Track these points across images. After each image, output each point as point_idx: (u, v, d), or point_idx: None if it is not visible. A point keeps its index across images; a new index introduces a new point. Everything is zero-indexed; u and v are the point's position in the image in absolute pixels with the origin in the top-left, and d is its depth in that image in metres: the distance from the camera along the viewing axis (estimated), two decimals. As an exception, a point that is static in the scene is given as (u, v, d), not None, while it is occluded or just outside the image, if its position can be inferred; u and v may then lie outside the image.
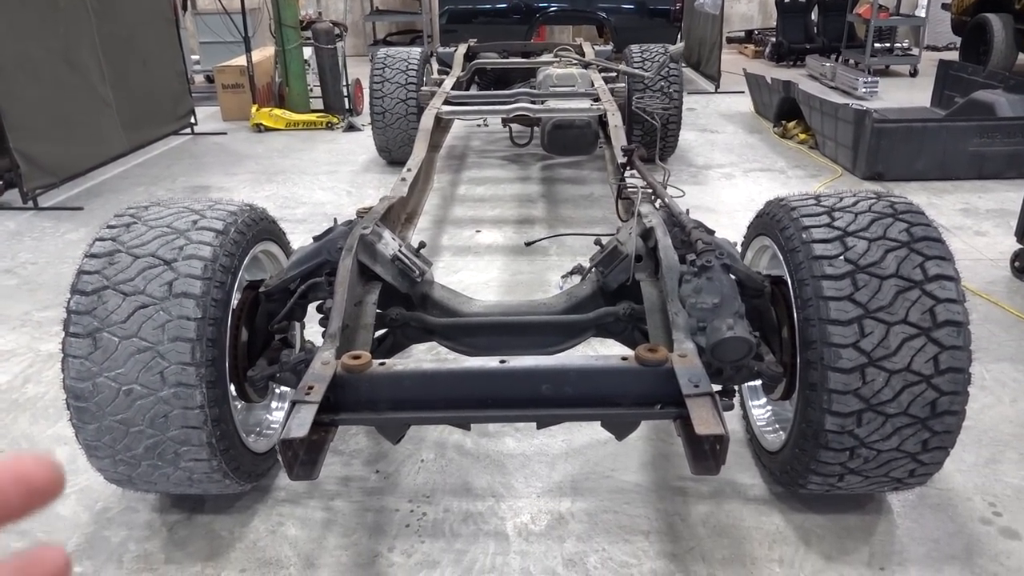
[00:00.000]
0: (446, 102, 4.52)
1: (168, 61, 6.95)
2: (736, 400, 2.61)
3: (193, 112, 7.40)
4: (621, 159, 2.80)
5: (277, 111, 7.65)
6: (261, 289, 2.22)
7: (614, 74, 5.42)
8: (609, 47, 6.51)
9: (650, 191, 2.37)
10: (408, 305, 2.17)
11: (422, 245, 2.22)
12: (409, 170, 3.34)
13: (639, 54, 5.73)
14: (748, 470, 2.44)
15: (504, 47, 6.67)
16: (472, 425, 2.21)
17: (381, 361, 1.60)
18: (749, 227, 2.43)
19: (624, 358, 1.57)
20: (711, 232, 2.16)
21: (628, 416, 1.56)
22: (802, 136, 6.54)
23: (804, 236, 2.01)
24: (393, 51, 5.85)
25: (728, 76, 9.13)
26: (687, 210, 2.29)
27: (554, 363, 1.58)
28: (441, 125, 4.57)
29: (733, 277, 2.08)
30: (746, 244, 2.48)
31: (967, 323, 1.87)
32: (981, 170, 5.46)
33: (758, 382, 2.33)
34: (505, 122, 4.45)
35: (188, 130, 7.35)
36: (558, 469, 2.45)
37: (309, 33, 7.76)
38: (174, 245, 2.02)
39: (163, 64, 6.84)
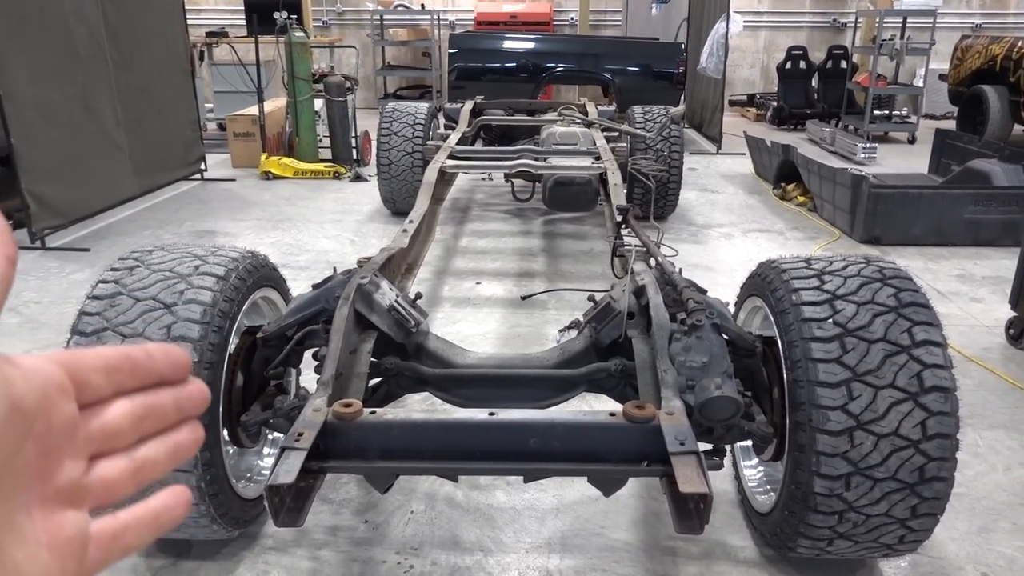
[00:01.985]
0: (451, 156, 4.62)
1: (182, 109, 7.13)
2: (728, 460, 2.62)
3: (204, 159, 7.55)
4: (617, 218, 2.86)
5: (286, 160, 7.79)
6: (259, 335, 2.25)
7: (616, 134, 5.54)
8: (612, 107, 6.67)
9: (644, 250, 2.42)
10: (403, 355, 2.20)
11: (418, 296, 2.26)
12: (411, 222, 3.40)
13: (641, 115, 5.87)
14: (739, 531, 2.43)
15: (510, 104, 6.84)
16: (462, 477, 2.22)
17: (372, 410, 1.62)
18: (742, 287, 2.46)
19: (612, 414, 1.59)
20: (703, 292, 2.19)
21: (615, 472, 1.57)
22: (801, 198, 6.64)
23: (794, 298, 2.04)
24: (401, 105, 6.00)
25: (729, 138, 9.31)
26: (680, 269, 2.33)
27: (542, 417, 1.59)
28: (445, 178, 4.66)
29: (725, 336, 2.11)
30: (739, 304, 2.51)
31: (954, 389, 1.89)
32: (977, 237, 5.52)
33: (749, 442, 2.33)
34: (508, 177, 4.54)
35: (198, 176, 7.49)
36: (548, 524, 2.43)
37: (321, 86, 7.97)
38: (175, 289, 2.06)
39: (177, 112, 7.01)
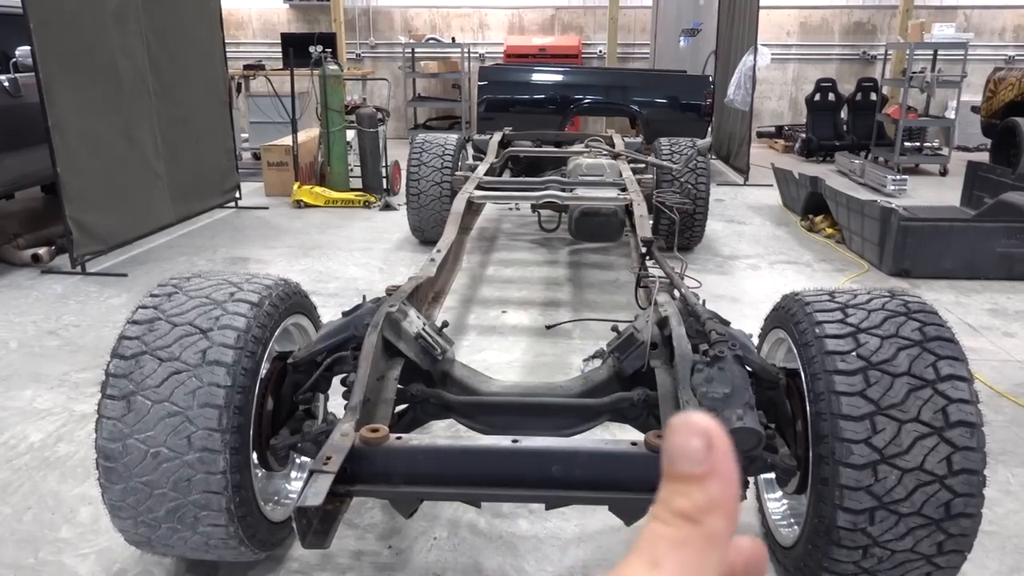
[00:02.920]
0: (478, 187, 4.70)
1: (219, 139, 7.33)
2: (752, 492, 2.60)
3: (239, 187, 7.74)
4: (642, 249, 2.89)
5: (318, 189, 7.96)
6: (289, 360, 2.31)
7: (643, 165, 5.59)
8: (639, 139, 6.73)
9: (668, 281, 2.44)
10: (429, 382, 2.24)
11: (445, 324, 2.31)
12: (439, 251, 3.47)
13: (668, 147, 5.91)
14: (763, 565, 2.41)
15: (537, 136, 6.93)
16: (485, 505, 2.24)
17: (398, 436, 1.66)
18: (766, 319, 2.48)
19: (634, 443, 1.61)
20: (726, 323, 2.21)
21: (635, 501, 1.59)
22: (829, 231, 6.61)
23: (817, 331, 2.05)
24: (431, 136, 6.12)
25: (757, 170, 9.32)
26: (704, 300, 2.35)
27: (565, 445, 1.62)
28: (473, 208, 4.74)
29: (749, 368, 2.13)
30: (763, 336, 2.52)
31: (981, 424, 1.88)
32: (1010, 271, 5.45)
33: (772, 475, 2.33)
34: (535, 208, 4.60)
35: (233, 204, 7.67)
36: (570, 554, 2.44)
37: (353, 117, 8.15)
38: (211, 315, 2.13)
39: (214, 142, 7.22)
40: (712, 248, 6.28)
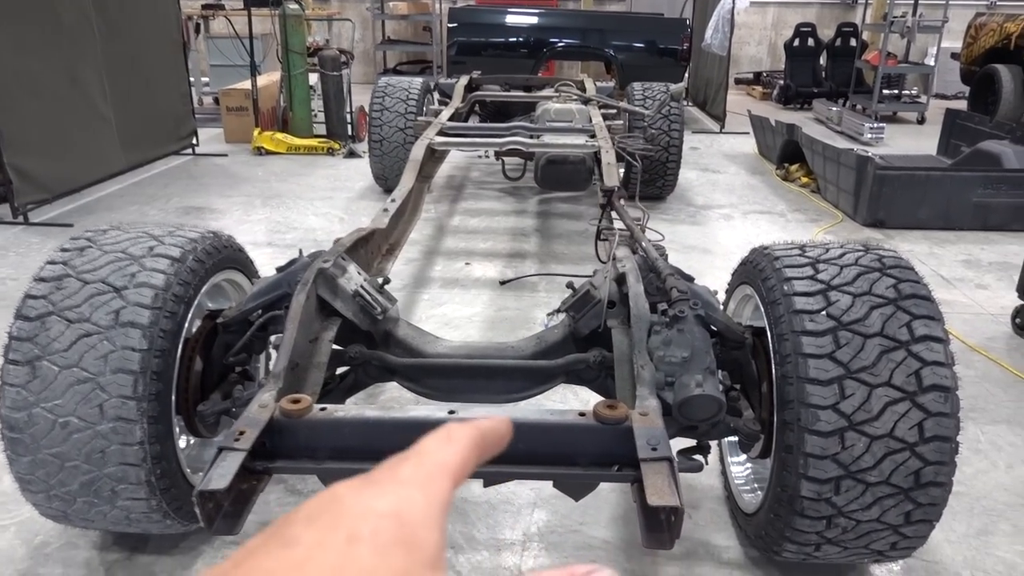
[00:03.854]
0: (441, 133, 4.46)
1: (173, 82, 6.96)
2: (715, 455, 2.50)
3: (195, 133, 7.40)
4: (601, 200, 2.72)
5: (279, 135, 7.64)
6: (219, 320, 2.13)
7: (614, 111, 5.37)
8: (611, 84, 6.48)
9: (629, 234, 2.28)
10: (371, 343, 2.07)
11: (386, 281, 2.13)
12: (393, 200, 3.27)
13: (641, 92, 5.69)
14: (724, 530, 2.31)
15: (506, 80, 6.65)
16: None
17: (323, 406, 1.50)
18: (733, 274, 2.33)
19: (581, 414, 1.47)
20: (689, 279, 2.06)
21: (582, 477, 1.45)
22: (804, 180, 6.47)
23: (785, 288, 1.91)
24: (394, 80, 5.84)
25: (734, 117, 9.11)
26: (666, 255, 2.20)
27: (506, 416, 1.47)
28: (436, 155, 4.51)
29: (714, 328, 1.99)
30: (730, 292, 2.38)
31: (955, 388, 1.76)
32: (985, 221, 5.36)
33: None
34: (498, 155, 4.39)
35: (189, 150, 7.34)
36: (523, 520, 2.32)
37: (316, 60, 7.79)
38: (127, 272, 1.93)
39: (167, 85, 6.85)
40: (685, 197, 6.12)
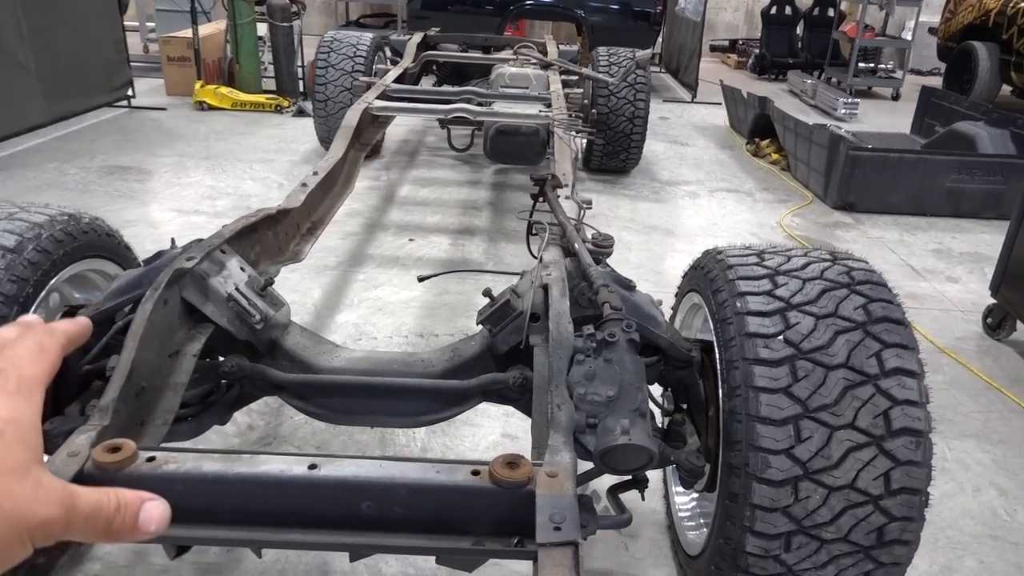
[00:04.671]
0: (383, 96, 4.08)
1: (104, 27, 6.41)
2: (657, 477, 2.24)
3: (131, 84, 6.88)
4: (534, 189, 2.40)
5: (223, 89, 7.14)
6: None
7: (576, 78, 5.01)
8: (576, 48, 6.10)
9: (561, 231, 1.97)
10: (255, 354, 1.75)
11: (269, 282, 1.79)
12: (316, 173, 2.91)
13: (606, 57, 5.33)
14: (664, 566, 2.06)
15: (465, 40, 6.23)
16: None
17: (151, 454, 1.19)
18: (683, 279, 2.04)
19: (475, 472, 1.18)
20: (630, 286, 1.75)
21: (472, 552, 1.17)
22: (775, 156, 6.20)
23: (738, 305, 1.62)
24: (341, 35, 5.40)
25: (707, 86, 8.78)
26: (611, 244, 1.88)
27: (381, 475, 1.18)
28: (379, 121, 4.13)
29: (658, 344, 1.70)
30: (678, 299, 2.09)
31: (929, 431, 1.50)
32: (957, 208, 5.15)
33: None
34: (443, 124, 4.03)
35: (124, 102, 6.83)
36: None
37: (264, 8, 7.27)
38: (-56, 265, 1.58)
39: (97, 30, 6.31)
40: (650, 172, 5.81)
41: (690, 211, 5.04)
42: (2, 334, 0.57)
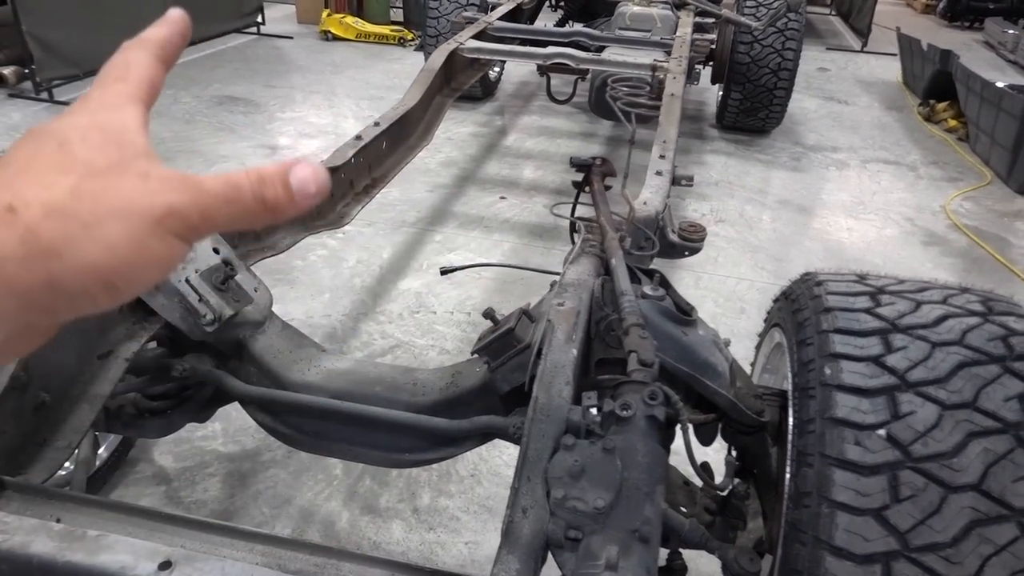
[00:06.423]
0: (483, 34, 3.67)
1: (237, -50, 6.35)
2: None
3: (261, 11, 6.83)
4: (578, 176, 1.94)
5: (349, 19, 6.96)
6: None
7: (713, 20, 4.35)
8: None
9: (600, 233, 1.53)
10: (218, 356, 1.47)
11: (230, 275, 1.48)
12: (376, 124, 2.60)
13: (754, -2, 4.60)
14: (706, 658, 1.65)
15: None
16: (358, 494, 1.54)
17: (-14, 515, 0.93)
18: (768, 313, 1.55)
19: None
20: (686, 320, 1.29)
21: None
22: (951, 123, 5.23)
23: (827, 372, 1.14)
24: (459, -38, 4.98)
25: (881, 32, 7.63)
26: (658, 275, 1.42)
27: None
28: (477, 64, 3.73)
29: (718, 402, 1.26)
30: (763, 334, 1.61)
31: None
32: None
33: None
34: (542, 71, 3.58)
35: (254, 29, 6.81)
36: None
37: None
38: None
39: (230, -47, 6.25)
40: (794, 134, 5.06)
41: (834, 184, 4.32)
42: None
